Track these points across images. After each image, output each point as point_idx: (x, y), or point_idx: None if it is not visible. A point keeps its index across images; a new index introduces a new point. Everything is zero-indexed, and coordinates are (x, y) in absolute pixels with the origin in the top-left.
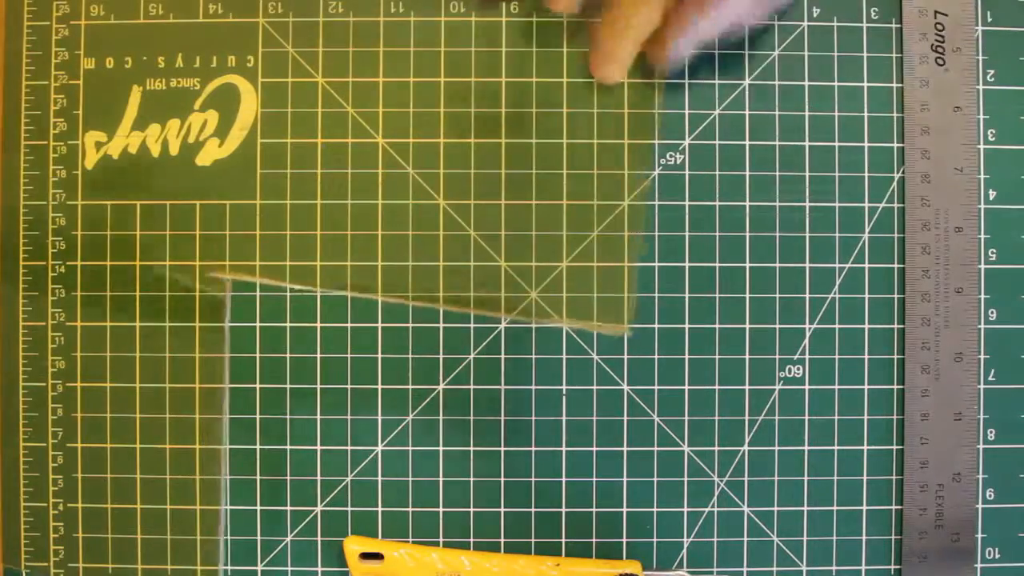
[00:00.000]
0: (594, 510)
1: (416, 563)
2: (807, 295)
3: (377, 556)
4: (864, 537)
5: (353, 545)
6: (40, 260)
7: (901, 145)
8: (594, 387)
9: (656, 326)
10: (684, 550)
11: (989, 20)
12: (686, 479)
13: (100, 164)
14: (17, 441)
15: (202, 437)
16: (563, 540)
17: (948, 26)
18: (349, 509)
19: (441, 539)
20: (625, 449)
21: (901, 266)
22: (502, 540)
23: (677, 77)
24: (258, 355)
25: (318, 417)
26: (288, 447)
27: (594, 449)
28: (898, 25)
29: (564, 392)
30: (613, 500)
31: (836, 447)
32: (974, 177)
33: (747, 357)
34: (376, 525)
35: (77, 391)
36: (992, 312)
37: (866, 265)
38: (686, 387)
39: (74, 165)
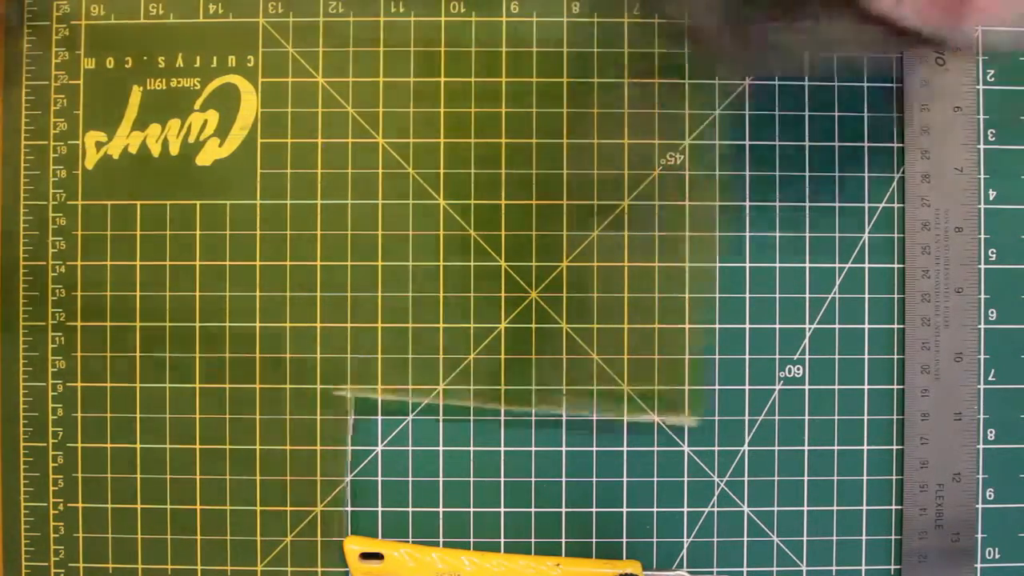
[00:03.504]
0: (594, 510)
1: (416, 563)
2: (807, 295)
3: (377, 556)
4: (864, 537)
5: (353, 545)
6: (40, 260)
7: (901, 145)
8: (594, 387)
9: (656, 326)
10: (684, 550)
11: None
12: (686, 479)
13: (100, 164)
14: (17, 441)
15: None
16: (563, 540)
17: None
18: (349, 509)
19: (441, 539)
20: (625, 449)
21: (901, 266)
22: (502, 540)
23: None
24: (258, 355)
25: (318, 417)
26: (288, 447)
27: (594, 449)
28: None
29: (564, 392)
30: (613, 500)
31: (836, 447)
32: (974, 177)
33: (747, 357)
34: (376, 525)
35: (77, 391)
36: (992, 312)
37: (866, 265)
38: (686, 387)
39: (74, 165)
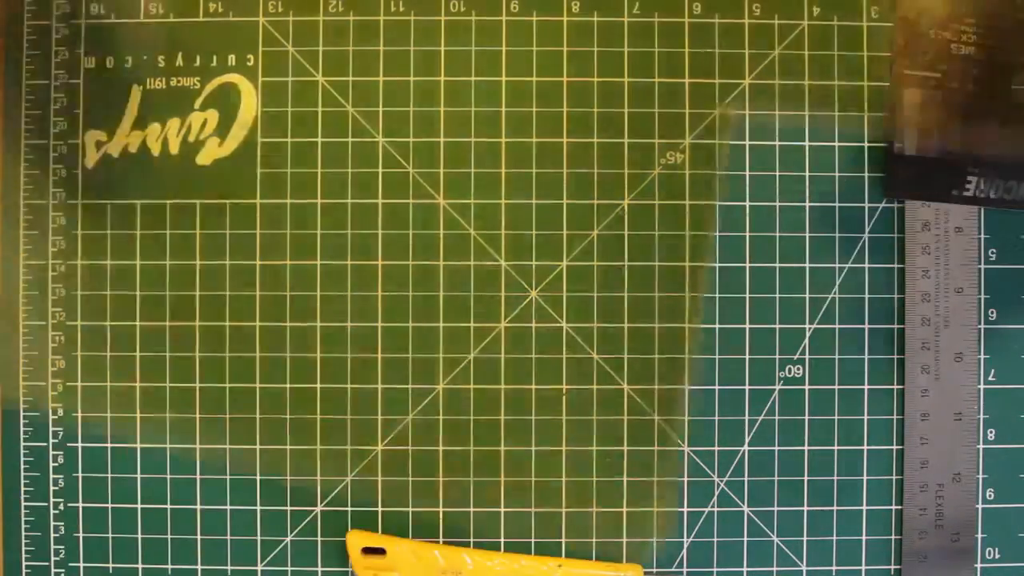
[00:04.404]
0: (594, 510)
1: (418, 559)
2: (807, 295)
3: (379, 551)
4: (864, 537)
5: (355, 539)
6: (40, 260)
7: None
8: (594, 387)
9: (656, 326)
10: (684, 550)
11: None
12: (686, 479)
13: (100, 163)
14: (17, 441)
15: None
16: (563, 540)
17: None
18: (349, 509)
19: (441, 539)
20: (625, 449)
21: (901, 266)
22: (502, 540)
23: None
24: (258, 355)
25: (318, 417)
26: (288, 447)
27: (594, 449)
28: None
29: (564, 392)
30: (613, 500)
31: (836, 447)
32: None
33: (747, 357)
34: (376, 525)
35: (77, 391)
36: (992, 312)
37: (866, 265)
38: (686, 387)
39: (74, 164)
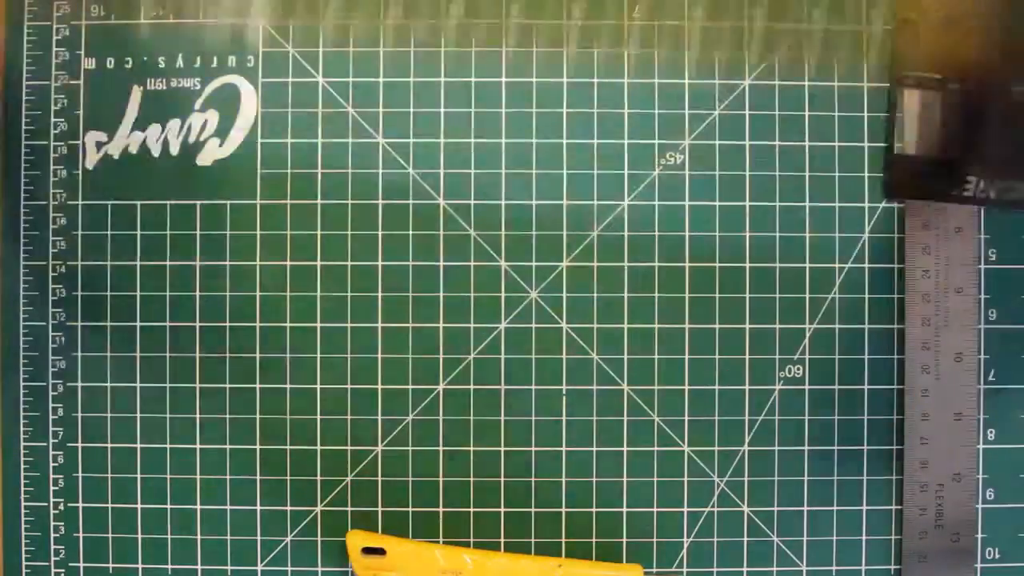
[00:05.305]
0: (594, 510)
1: (418, 560)
2: (807, 295)
3: (379, 551)
4: (864, 537)
5: (355, 539)
6: (40, 260)
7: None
8: (594, 387)
9: (656, 326)
10: (684, 550)
11: None
12: (686, 479)
13: (101, 164)
14: (17, 441)
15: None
16: (563, 540)
17: None
18: (349, 509)
19: (441, 539)
20: (625, 449)
21: (901, 266)
22: (502, 540)
23: None
24: (258, 355)
25: (318, 417)
26: (288, 447)
27: (594, 449)
28: None
29: (564, 392)
30: (613, 500)
31: (836, 447)
32: None
33: (747, 357)
34: (376, 525)
35: (77, 391)
36: (992, 312)
37: (866, 265)
38: (686, 387)
39: (74, 165)
